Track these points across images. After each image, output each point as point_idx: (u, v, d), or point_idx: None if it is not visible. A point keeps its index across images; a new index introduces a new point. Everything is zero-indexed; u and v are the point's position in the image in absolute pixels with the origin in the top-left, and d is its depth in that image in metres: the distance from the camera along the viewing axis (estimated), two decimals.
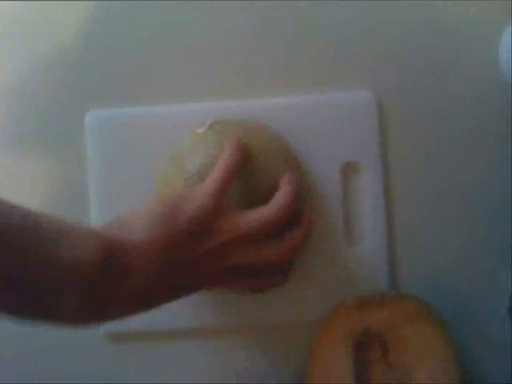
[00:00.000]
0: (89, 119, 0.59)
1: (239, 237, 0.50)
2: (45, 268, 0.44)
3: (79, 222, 0.49)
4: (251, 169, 0.53)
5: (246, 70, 0.60)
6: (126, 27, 0.60)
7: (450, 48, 0.60)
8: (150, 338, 0.58)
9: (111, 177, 0.58)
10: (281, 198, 0.52)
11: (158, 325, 0.57)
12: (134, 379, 0.59)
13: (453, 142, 0.59)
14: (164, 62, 0.60)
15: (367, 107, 0.58)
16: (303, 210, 0.55)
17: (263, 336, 0.58)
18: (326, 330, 0.55)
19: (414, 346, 0.54)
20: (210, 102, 0.59)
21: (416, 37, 0.60)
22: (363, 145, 0.58)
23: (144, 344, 0.59)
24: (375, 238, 0.58)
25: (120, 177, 0.58)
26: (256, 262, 0.51)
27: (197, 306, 0.57)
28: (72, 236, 0.45)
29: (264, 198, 0.52)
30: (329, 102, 0.58)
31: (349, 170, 0.58)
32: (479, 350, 0.58)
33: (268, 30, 0.60)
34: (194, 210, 0.49)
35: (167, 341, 0.59)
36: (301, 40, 0.60)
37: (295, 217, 0.54)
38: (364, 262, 0.58)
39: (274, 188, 0.53)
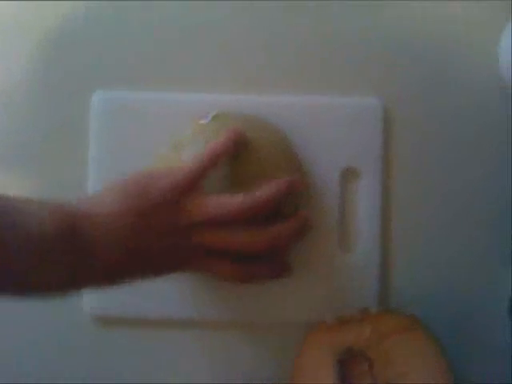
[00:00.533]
0: (95, 99, 0.59)
1: (206, 220, 0.50)
2: (15, 244, 0.45)
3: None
4: (252, 164, 0.53)
5: (257, 66, 0.60)
6: (140, 13, 0.60)
7: (451, 55, 0.60)
8: (142, 325, 0.59)
9: (112, 158, 0.58)
10: (262, 190, 0.51)
11: (152, 313, 0.58)
12: (124, 366, 0.59)
13: (455, 155, 0.60)
14: (177, 50, 0.60)
15: (373, 114, 0.58)
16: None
17: (253, 333, 0.59)
18: (309, 346, 0.55)
19: (401, 357, 0.53)
20: (217, 94, 0.59)
21: (416, 42, 0.60)
22: (365, 151, 0.58)
23: (136, 331, 0.59)
24: (369, 246, 0.58)
25: (121, 159, 0.58)
26: (226, 246, 0.51)
27: (194, 297, 0.58)
28: (37, 211, 0.46)
29: None
30: (335, 105, 0.58)
31: (349, 175, 0.58)
32: (479, 350, 0.58)
33: (282, 30, 0.60)
34: (166, 184, 0.50)
35: (161, 329, 0.58)
36: (312, 43, 0.60)
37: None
38: (357, 268, 0.58)
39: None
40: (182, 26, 0.60)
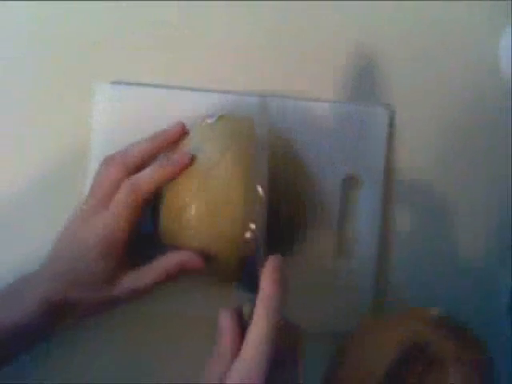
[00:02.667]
0: (98, 92, 0.58)
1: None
2: None
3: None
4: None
5: (264, 70, 0.60)
6: (146, 6, 0.59)
7: (453, 57, 0.60)
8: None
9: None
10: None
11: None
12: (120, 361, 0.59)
13: (457, 165, 0.60)
14: (186, 46, 0.59)
15: (379, 123, 0.59)
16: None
17: None
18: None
19: None
20: (223, 94, 0.58)
21: (417, 44, 0.60)
22: (369, 160, 0.58)
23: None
24: (367, 253, 0.58)
25: None
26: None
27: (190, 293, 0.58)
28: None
29: (271, 195, 0.51)
30: (341, 112, 0.58)
31: (350, 183, 0.59)
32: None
33: (289, 35, 0.60)
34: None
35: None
36: (318, 48, 0.60)
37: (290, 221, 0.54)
38: (353, 275, 0.58)
39: (280, 186, 0.53)
40: (191, 20, 0.59)
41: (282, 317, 0.42)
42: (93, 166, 0.57)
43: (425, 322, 0.52)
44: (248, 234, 0.48)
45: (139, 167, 0.53)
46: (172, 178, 0.52)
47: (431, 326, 0.52)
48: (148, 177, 0.51)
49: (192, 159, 0.52)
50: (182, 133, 0.54)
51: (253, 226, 0.48)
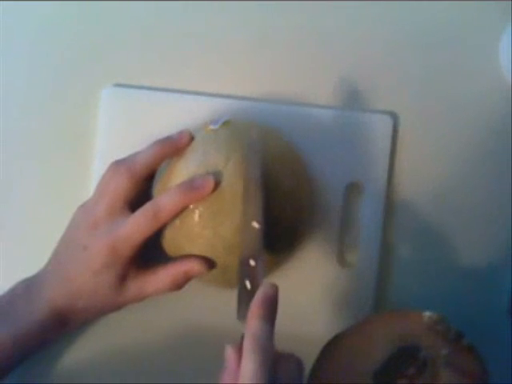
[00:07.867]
0: (105, 95, 0.58)
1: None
2: None
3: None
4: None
5: (268, 76, 0.60)
6: (152, 11, 0.59)
7: (452, 56, 0.60)
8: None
9: (119, 155, 0.55)
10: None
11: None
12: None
13: (460, 172, 0.60)
14: (194, 50, 0.60)
15: (383, 131, 0.59)
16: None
17: None
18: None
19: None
20: (230, 100, 0.58)
21: (417, 46, 0.60)
22: (371, 167, 0.58)
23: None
24: (368, 262, 0.58)
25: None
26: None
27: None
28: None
29: (274, 201, 0.52)
30: (346, 119, 0.59)
31: (353, 190, 0.59)
32: (479, 350, 0.59)
33: (294, 43, 0.60)
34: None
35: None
36: (324, 55, 0.60)
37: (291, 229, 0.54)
38: (353, 283, 0.58)
39: (284, 192, 0.53)
40: (195, 24, 0.59)
41: (274, 349, 0.41)
42: (97, 168, 0.58)
43: (417, 325, 0.53)
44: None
45: (146, 176, 0.53)
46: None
47: (423, 329, 0.52)
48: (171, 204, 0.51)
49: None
50: (190, 142, 0.53)
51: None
